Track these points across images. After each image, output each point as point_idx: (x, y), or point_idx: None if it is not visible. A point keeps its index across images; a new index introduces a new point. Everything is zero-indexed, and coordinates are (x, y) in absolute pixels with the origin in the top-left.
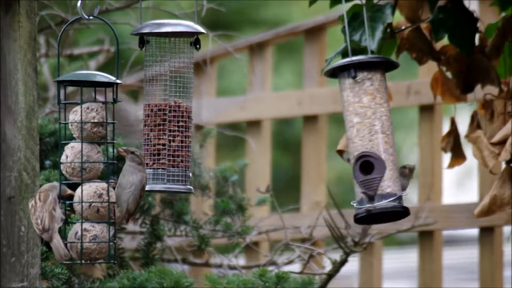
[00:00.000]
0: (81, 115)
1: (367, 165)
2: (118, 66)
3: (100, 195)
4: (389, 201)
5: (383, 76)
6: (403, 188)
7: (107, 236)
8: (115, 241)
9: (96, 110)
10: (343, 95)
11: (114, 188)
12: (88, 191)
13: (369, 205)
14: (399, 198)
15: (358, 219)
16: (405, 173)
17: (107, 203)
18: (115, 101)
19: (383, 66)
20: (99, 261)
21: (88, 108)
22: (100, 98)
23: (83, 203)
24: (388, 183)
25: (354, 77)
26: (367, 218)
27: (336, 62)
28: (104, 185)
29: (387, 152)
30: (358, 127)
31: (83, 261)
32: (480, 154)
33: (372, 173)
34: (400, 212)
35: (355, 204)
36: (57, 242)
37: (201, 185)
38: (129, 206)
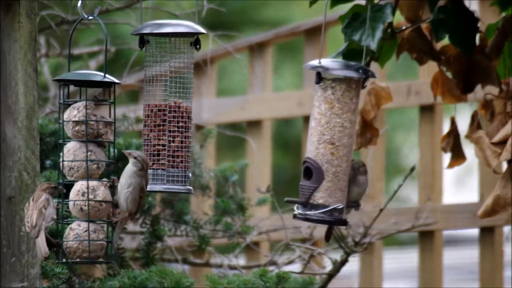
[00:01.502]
0: (62, 114)
1: (308, 171)
2: (107, 66)
3: (84, 194)
4: (319, 212)
5: (352, 86)
6: (362, 191)
7: (94, 235)
8: (107, 240)
9: (78, 109)
10: (313, 95)
11: (110, 187)
12: (74, 189)
13: (300, 211)
14: (332, 210)
15: (296, 217)
16: (362, 171)
17: (91, 202)
18: (97, 100)
19: (353, 77)
20: (82, 260)
21: (73, 107)
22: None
23: (69, 202)
24: (322, 194)
25: (317, 82)
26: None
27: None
28: (92, 183)
29: (331, 163)
30: (312, 132)
31: (64, 260)
32: (483, 154)
33: (309, 180)
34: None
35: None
36: (40, 240)
37: (201, 185)
38: (128, 205)
